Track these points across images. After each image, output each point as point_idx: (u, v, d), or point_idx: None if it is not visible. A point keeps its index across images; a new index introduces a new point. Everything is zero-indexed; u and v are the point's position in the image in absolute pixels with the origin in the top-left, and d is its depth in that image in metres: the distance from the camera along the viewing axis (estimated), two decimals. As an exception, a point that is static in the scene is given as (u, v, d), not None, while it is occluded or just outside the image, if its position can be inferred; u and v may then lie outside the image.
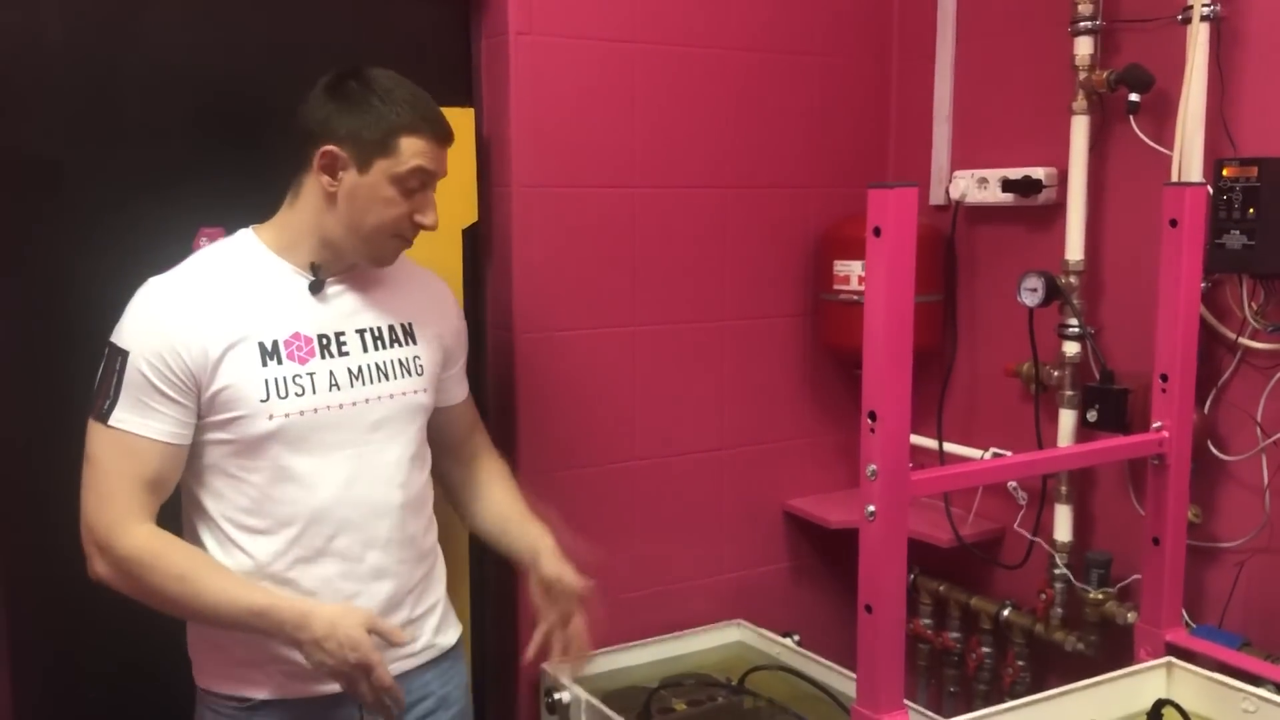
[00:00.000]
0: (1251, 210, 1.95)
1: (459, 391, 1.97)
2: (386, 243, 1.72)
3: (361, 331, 1.76)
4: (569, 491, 2.40)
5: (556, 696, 2.28)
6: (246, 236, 1.75)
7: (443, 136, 1.71)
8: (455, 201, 2.27)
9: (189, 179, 2.09)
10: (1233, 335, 2.07)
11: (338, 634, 1.58)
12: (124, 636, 2.10)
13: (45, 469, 2.04)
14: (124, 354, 1.61)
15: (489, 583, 2.45)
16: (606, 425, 2.47)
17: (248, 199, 1.89)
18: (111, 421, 1.61)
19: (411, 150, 1.66)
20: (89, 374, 2.01)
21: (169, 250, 2.00)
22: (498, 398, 2.38)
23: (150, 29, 2.06)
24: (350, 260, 1.75)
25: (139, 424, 1.60)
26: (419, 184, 1.69)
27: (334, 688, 1.72)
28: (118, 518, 1.60)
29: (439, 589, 1.89)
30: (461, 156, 2.27)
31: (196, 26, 2.09)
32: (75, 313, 2.04)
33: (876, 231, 1.43)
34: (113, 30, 2.03)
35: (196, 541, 1.70)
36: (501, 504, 1.95)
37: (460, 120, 2.25)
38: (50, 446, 2.03)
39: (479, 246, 2.36)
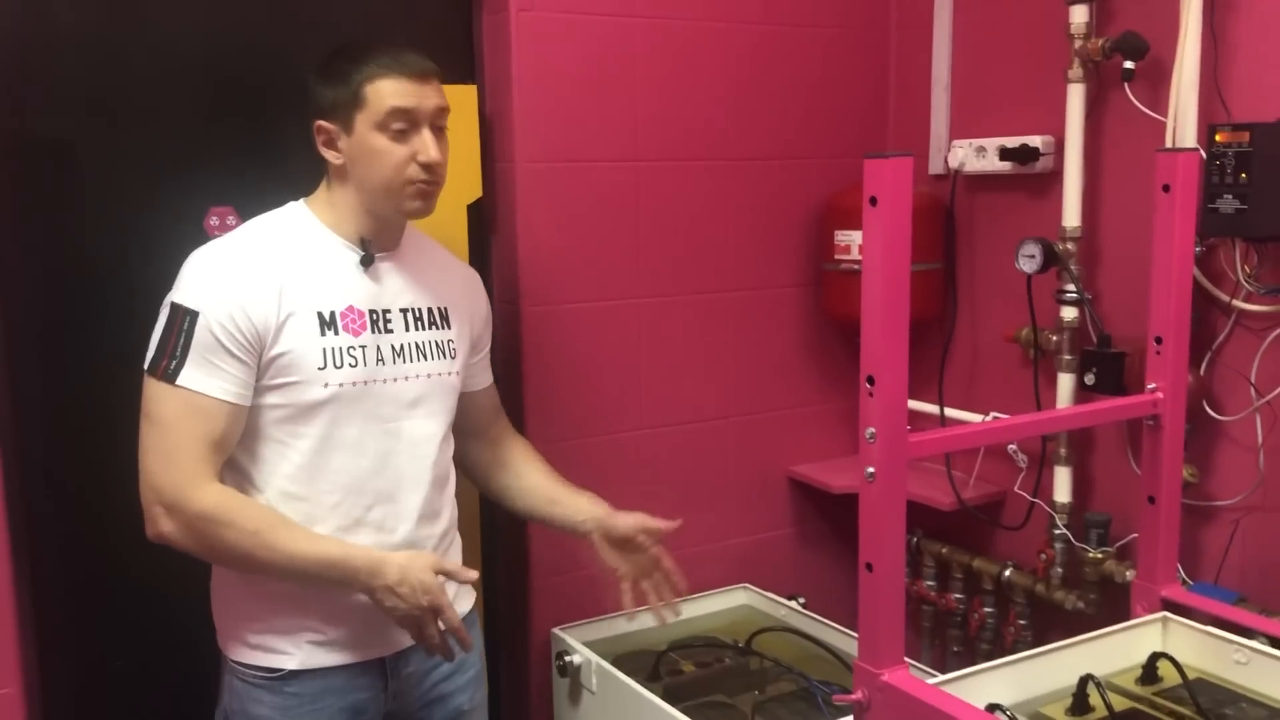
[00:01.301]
0: (1244, 175, 1.97)
1: (485, 377, 2.03)
2: (403, 190, 1.73)
3: (405, 311, 1.81)
4: (576, 461, 2.44)
5: (568, 659, 2.33)
6: (298, 208, 1.79)
7: (412, 72, 1.70)
8: (459, 177, 2.29)
9: (198, 159, 2.12)
10: (1227, 298, 2.10)
11: (410, 579, 1.65)
12: (150, 606, 2.16)
13: (67, 442, 2.09)
14: (193, 314, 1.63)
15: (499, 550, 2.50)
16: (612, 395, 2.51)
17: (256, 178, 1.93)
18: (180, 381, 1.63)
19: (380, 94, 1.69)
20: (104, 350, 2.07)
21: (179, 228, 2.06)
22: (504, 370, 2.42)
23: (158, 11, 2.09)
24: (391, 222, 1.78)
25: (207, 383, 1.63)
26: (407, 124, 1.70)
27: (361, 657, 1.77)
28: (187, 477, 1.63)
29: (455, 560, 1.93)
30: (465, 133, 2.30)
31: (203, 8, 2.12)
32: (91, 290, 2.08)
33: (873, 201, 1.46)
34: (122, 13, 2.06)
35: None
36: (545, 480, 2.03)
37: (463, 97, 2.29)
38: (69, 419, 2.09)
39: (483, 222, 2.39)
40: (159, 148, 2.10)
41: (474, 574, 1.78)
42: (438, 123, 1.75)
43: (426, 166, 1.72)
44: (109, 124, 2.07)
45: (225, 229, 2.11)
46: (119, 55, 2.07)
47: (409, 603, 1.66)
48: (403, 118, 1.70)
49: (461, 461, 1.99)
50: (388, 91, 1.69)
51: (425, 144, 1.72)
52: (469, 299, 1.95)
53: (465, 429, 1.99)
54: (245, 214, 2.08)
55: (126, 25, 2.07)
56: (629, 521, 1.94)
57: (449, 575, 1.72)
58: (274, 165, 1.85)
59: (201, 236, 2.09)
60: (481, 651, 2.03)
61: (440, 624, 1.69)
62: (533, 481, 2.04)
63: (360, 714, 1.80)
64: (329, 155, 1.75)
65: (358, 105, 1.69)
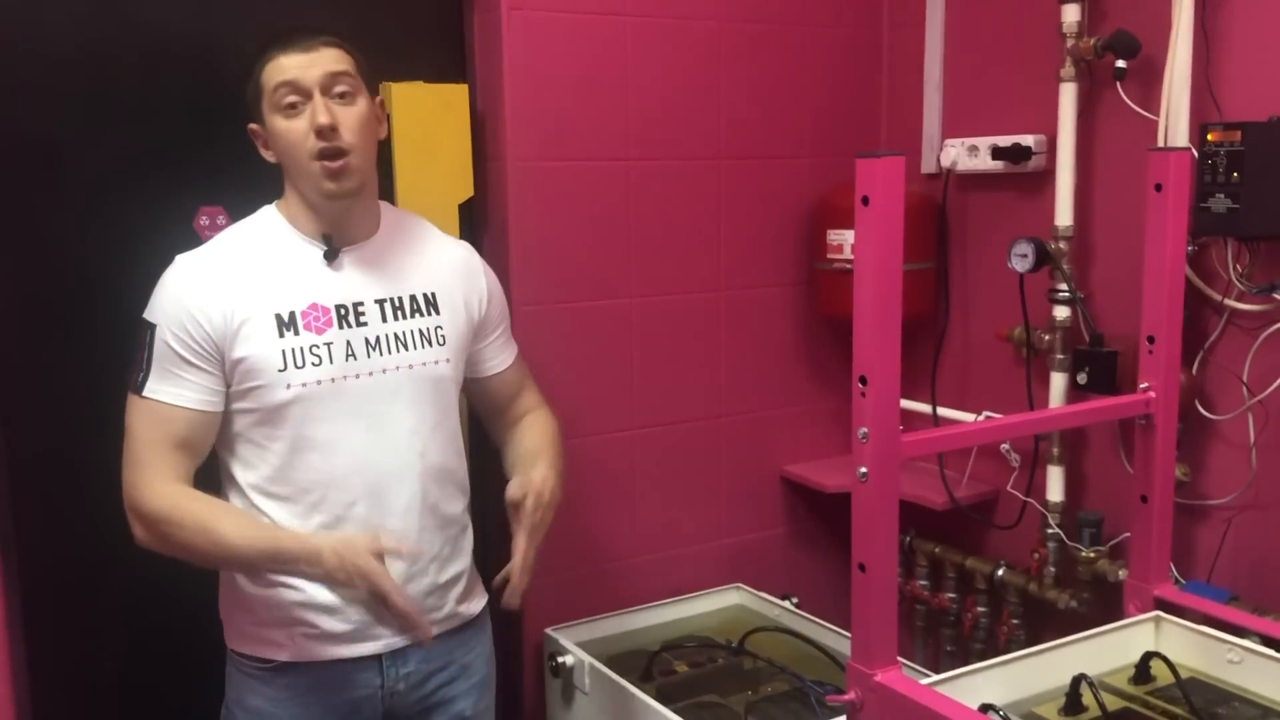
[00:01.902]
0: (1236, 174, 1.97)
1: (502, 359, 1.96)
2: (310, 167, 1.68)
3: (381, 301, 1.77)
4: (569, 461, 2.42)
5: (560, 660, 2.32)
6: (268, 211, 1.78)
7: (295, 45, 1.66)
8: (451, 177, 2.30)
9: (188, 158, 2.12)
10: (1219, 297, 2.10)
11: (346, 564, 1.62)
12: (141, 608, 2.16)
13: (55, 444, 2.08)
14: (152, 327, 1.67)
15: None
16: (605, 395, 2.50)
17: (246, 177, 1.91)
18: (145, 393, 1.66)
19: (269, 75, 1.67)
20: (92, 351, 2.07)
21: (169, 228, 2.05)
22: (497, 370, 2.41)
23: (147, 8, 2.08)
24: (341, 211, 1.74)
25: (168, 393, 1.66)
26: (296, 96, 1.66)
27: (354, 652, 1.76)
28: (144, 482, 1.66)
29: (465, 559, 1.89)
30: (456, 132, 2.29)
31: (193, 6, 2.11)
32: (78, 291, 2.07)
33: (865, 200, 1.46)
34: (111, 10, 2.05)
35: None
36: (518, 447, 1.94)
37: (455, 96, 2.29)
38: (57, 421, 2.08)
39: (475, 221, 2.38)
40: (148, 147, 2.10)
41: (410, 548, 1.72)
42: (334, 89, 1.68)
43: (320, 132, 1.65)
44: (97, 122, 2.06)
45: (215, 229, 2.09)
46: (107, 53, 2.06)
47: (351, 589, 1.64)
48: (289, 90, 1.66)
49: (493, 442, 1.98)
50: (273, 69, 1.67)
51: (315, 108, 1.66)
52: (464, 280, 1.88)
53: (486, 411, 1.98)
54: (235, 214, 2.06)
55: (115, 22, 2.05)
56: (514, 488, 1.80)
57: (389, 553, 1.67)
58: (264, 165, 1.83)
59: (191, 236, 2.09)
60: (490, 656, 1.98)
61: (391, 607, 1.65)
62: (511, 454, 1.95)
63: (355, 711, 1.79)
64: (266, 156, 1.75)
65: (259, 94, 1.69)
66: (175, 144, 2.11)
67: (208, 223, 2.12)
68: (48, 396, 2.07)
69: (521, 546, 1.78)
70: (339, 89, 1.68)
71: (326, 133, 1.66)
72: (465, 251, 1.93)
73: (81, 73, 2.04)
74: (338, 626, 1.74)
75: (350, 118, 1.69)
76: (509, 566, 1.78)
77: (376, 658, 1.78)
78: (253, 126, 1.74)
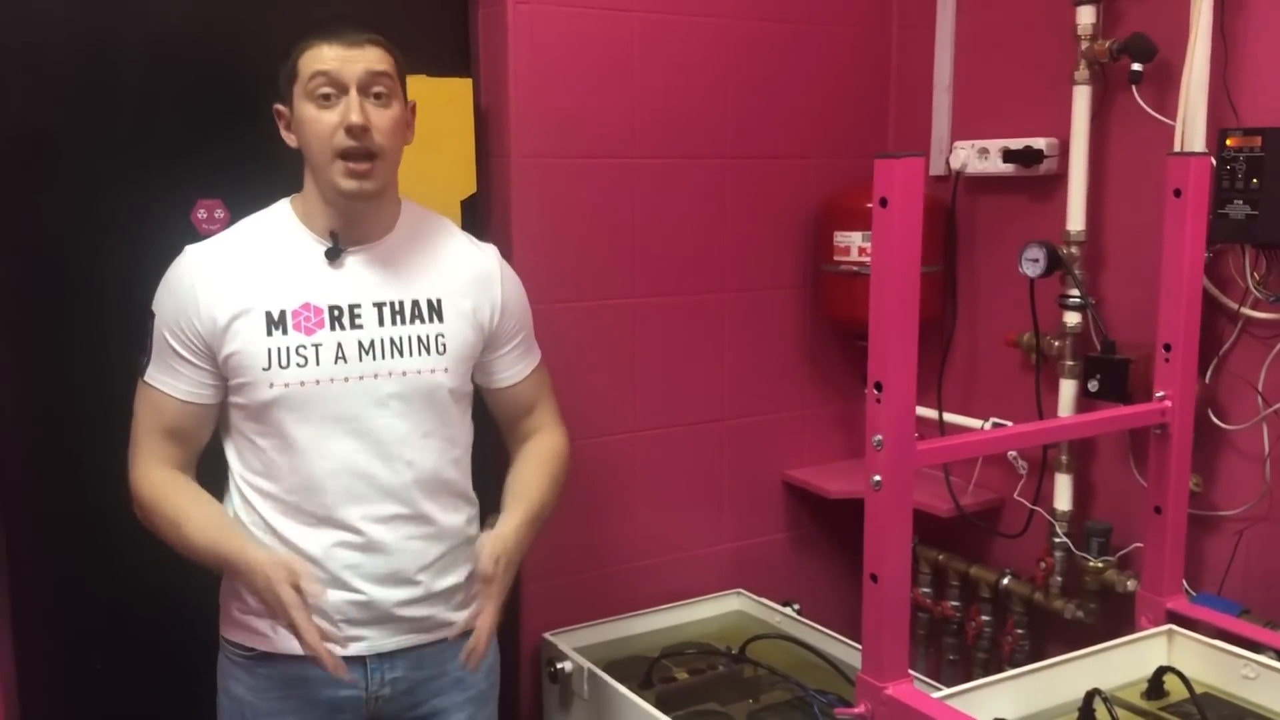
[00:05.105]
0: (1255, 180, 1.95)
1: (515, 372, 1.90)
2: (334, 165, 1.64)
3: (380, 305, 1.72)
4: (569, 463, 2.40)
5: (559, 666, 2.29)
6: (280, 205, 1.76)
7: (341, 38, 1.63)
8: (454, 172, 2.26)
9: (186, 151, 2.08)
10: (1234, 305, 2.07)
11: (272, 590, 1.57)
12: (131, 609, 2.12)
13: (50, 437, 2.05)
14: (153, 316, 1.70)
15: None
16: (607, 397, 2.47)
17: (245, 171, 1.88)
18: (145, 378, 1.71)
19: (307, 62, 1.64)
20: (88, 344, 2.03)
21: (166, 222, 2.02)
22: (498, 369, 2.38)
23: (146, 1, 2.04)
24: (355, 210, 1.70)
25: (163, 381, 1.69)
26: (332, 88, 1.63)
27: (338, 652, 1.71)
28: (138, 463, 1.71)
29: (464, 571, 1.80)
30: (459, 127, 2.26)
31: (193, -2, 2.07)
32: (74, 285, 2.03)
33: (883, 202, 1.43)
34: (108, 2, 2.01)
35: (227, 498, 1.74)
36: (512, 481, 1.87)
37: (458, 91, 2.25)
38: (50, 417, 2.05)
39: (478, 218, 2.34)
40: (146, 138, 2.06)
41: (320, 590, 1.60)
42: (371, 88, 1.64)
43: (351, 131, 1.62)
44: (95, 115, 2.02)
45: (213, 222, 2.07)
46: (105, 44, 2.01)
47: (274, 611, 1.60)
48: (326, 81, 1.63)
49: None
50: (312, 58, 1.64)
51: (349, 105, 1.63)
52: (476, 288, 1.82)
53: (499, 422, 1.94)
54: (234, 206, 2.04)
55: (113, 11, 2.01)
56: (479, 553, 1.70)
57: (306, 592, 1.57)
58: (263, 157, 1.80)
59: (189, 229, 2.06)
60: (493, 669, 1.90)
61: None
62: (507, 483, 1.88)
63: (337, 711, 1.76)
64: (286, 139, 1.72)
65: (294, 78, 1.66)
66: (173, 136, 2.07)
67: (205, 216, 2.08)
68: (41, 391, 2.04)
69: (490, 617, 1.69)
70: (377, 89, 1.66)
71: (357, 132, 1.63)
72: (486, 259, 1.86)
73: (79, 65, 2.00)
74: (320, 625, 1.67)
75: (384, 120, 1.66)
76: (475, 632, 1.69)
77: (360, 659, 1.74)
78: (279, 107, 1.71)
